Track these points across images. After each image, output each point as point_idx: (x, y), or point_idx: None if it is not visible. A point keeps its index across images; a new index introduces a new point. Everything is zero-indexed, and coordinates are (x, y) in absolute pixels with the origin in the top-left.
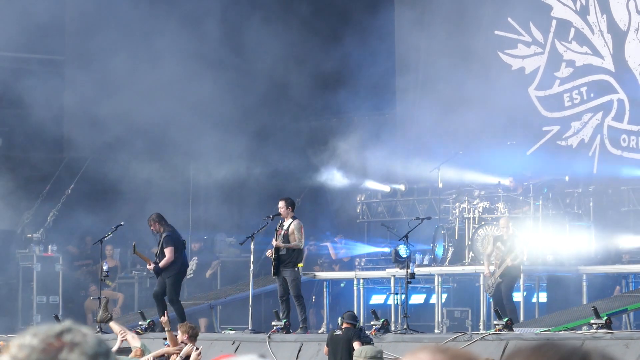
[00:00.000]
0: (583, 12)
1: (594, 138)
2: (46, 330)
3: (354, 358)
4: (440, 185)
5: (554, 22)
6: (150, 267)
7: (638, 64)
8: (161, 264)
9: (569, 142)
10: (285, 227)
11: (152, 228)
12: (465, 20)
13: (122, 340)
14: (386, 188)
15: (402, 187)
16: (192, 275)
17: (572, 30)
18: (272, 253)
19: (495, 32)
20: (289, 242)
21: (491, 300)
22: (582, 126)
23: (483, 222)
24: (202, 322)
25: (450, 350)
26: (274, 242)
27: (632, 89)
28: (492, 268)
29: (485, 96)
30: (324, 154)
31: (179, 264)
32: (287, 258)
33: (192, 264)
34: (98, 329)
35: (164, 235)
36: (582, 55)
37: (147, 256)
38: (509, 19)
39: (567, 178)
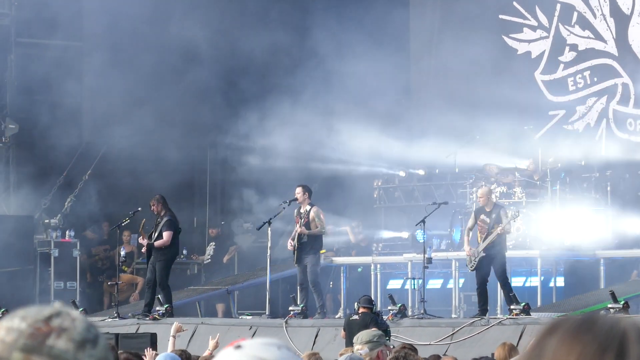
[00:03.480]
0: None
1: (599, 122)
2: (35, 314)
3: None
4: (457, 170)
5: (558, 6)
6: (144, 241)
7: None
8: (156, 243)
9: (575, 126)
10: (304, 215)
11: (153, 208)
12: (471, 5)
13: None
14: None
15: (421, 172)
16: (209, 260)
17: (575, 14)
18: (292, 244)
19: (500, 16)
20: (310, 229)
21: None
22: (587, 110)
23: None
24: (220, 307)
25: None
26: (297, 229)
27: (636, 72)
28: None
29: (493, 81)
30: (339, 139)
31: (172, 249)
32: (308, 245)
33: (210, 249)
34: (116, 314)
35: (165, 219)
36: (584, 39)
37: (147, 238)
38: (515, 3)
39: (583, 162)
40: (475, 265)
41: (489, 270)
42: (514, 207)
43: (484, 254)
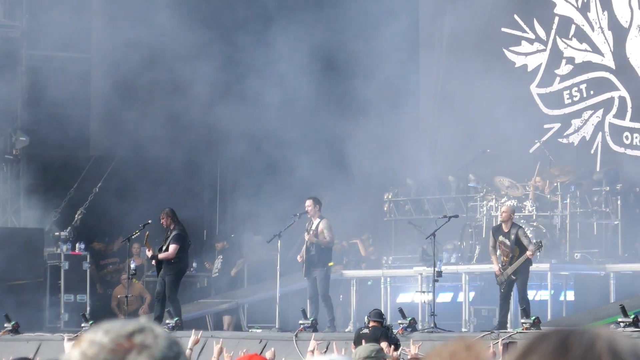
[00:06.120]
0: (584, 9)
1: (595, 135)
2: (119, 329)
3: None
4: (469, 183)
5: (556, 19)
6: (149, 253)
7: None
8: (160, 255)
9: (570, 139)
10: (314, 227)
11: (162, 221)
12: (476, 16)
13: None
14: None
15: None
16: (217, 274)
17: (573, 27)
18: (302, 257)
19: (502, 29)
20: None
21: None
22: (582, 124)
23: None
24: (226, 319)
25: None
26: (306, 237)
27: (634, 86)
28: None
29: (492, 94)
30: (347, 153)
31: (181, 263)
32: (317, 258)
33: (218, 263)
34: None
35: (173, 232)
36: (581, 52)
37: (153, 249)
38: (515, 16)
39: (594, 177)
40: (505, 286)
41: (513, 286)
42: (533, 232)
43: (514, 277)
